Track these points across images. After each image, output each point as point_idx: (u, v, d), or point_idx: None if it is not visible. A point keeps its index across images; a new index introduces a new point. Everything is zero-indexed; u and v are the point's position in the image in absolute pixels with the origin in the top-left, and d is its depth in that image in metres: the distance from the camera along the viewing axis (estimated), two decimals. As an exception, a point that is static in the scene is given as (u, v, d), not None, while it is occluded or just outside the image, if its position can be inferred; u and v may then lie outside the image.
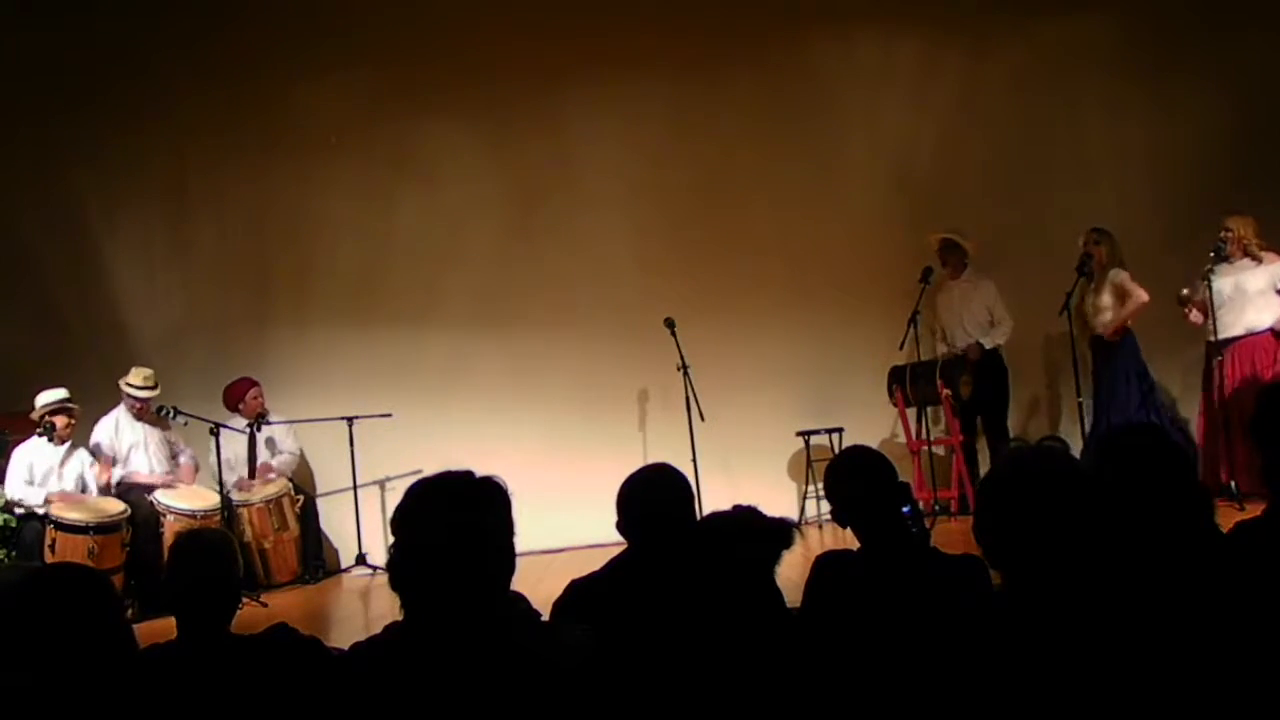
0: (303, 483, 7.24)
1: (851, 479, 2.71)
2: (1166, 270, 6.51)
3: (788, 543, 2.57)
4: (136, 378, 6.61)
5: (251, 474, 6.95)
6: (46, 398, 6.22)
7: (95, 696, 2.18)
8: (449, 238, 7.58)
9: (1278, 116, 7.19)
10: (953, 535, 5.73)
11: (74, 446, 6.34)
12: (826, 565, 2.65)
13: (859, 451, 2.94)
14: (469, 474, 1.92)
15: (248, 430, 6.89)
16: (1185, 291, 6.29)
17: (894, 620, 2.35)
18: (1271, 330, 6.11)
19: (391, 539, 1.91)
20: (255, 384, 7.05)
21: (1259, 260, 6.12)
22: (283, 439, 7.18)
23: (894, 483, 2.69)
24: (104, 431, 6.56)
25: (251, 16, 7.39)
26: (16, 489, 6.07)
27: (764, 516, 2.63)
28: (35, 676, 2.17)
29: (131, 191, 7.58)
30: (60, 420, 6.20)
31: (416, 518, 1.87)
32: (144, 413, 6.63)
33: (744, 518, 2.58)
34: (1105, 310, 6.44)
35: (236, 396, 7.01)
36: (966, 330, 7.02)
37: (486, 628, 1.83)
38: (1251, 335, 6.11)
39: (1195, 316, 6.34)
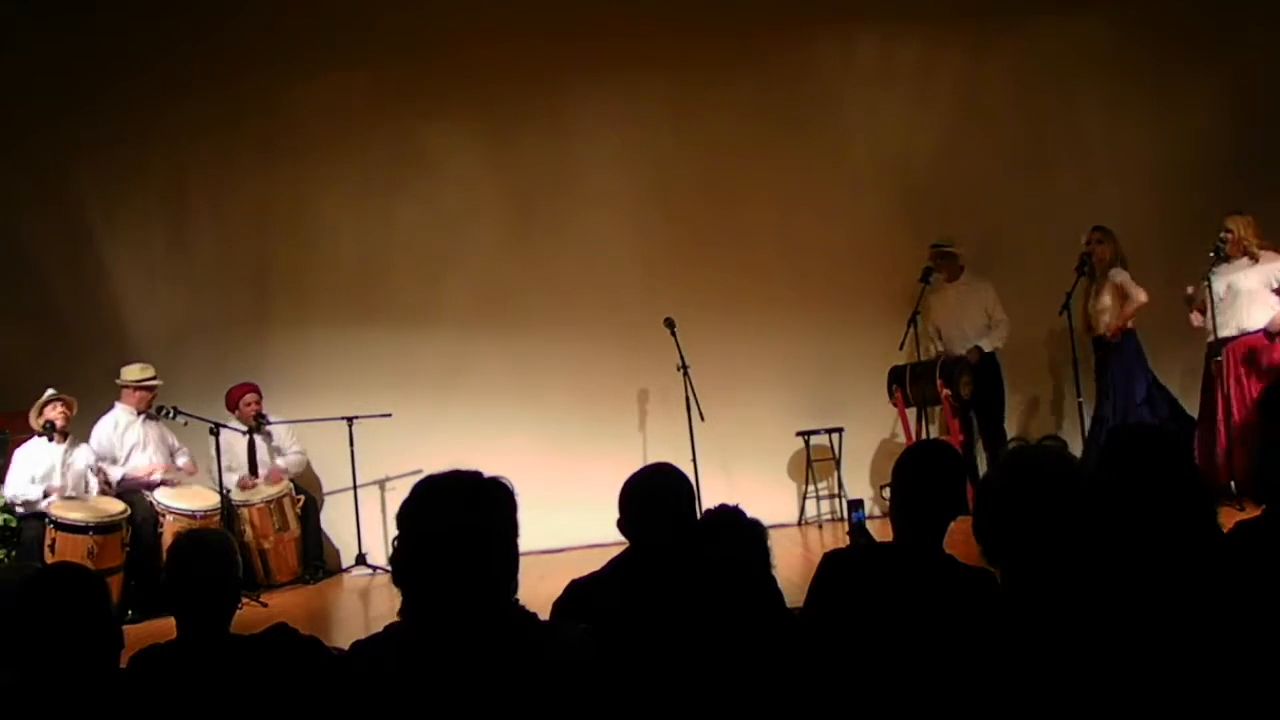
0: (308, 484, 7.24)
1: (948, 476, 2.63)
2: (1166, 270, 6.51)
3: (761, 544, 2.55)
4: (140, 373, 6.64)
5: (253, 474, 6.95)
6: (39, 402, 6.26)
7: (90, 696, 2.18)
8: (449, 238, 7.58)
9: (1277, 115, 7.19)
10: (953, 535, 5.72)
11: (74, 443, 6.35)
12: (833, 565, 2.63)
13: (951, 448, 2.91)
14: (477, 474, 1.92)
15: (247, 433, 6.90)
16: (1190, 290, 6.28)
17: (901, 622, 2.34)
18: (1264, 331, 6.11)
19: (393, 538, 1.91)
20: (252, 389, 7.04)
21: (1256, 259, 6.12)
22: (285, 440, 7.18)
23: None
24: (104, 431, 6.56)
25: (251, 17, 7.39)
26: (19, 487, 6.08)
27: (742, 517, 2.61)
28: (22, 675, 2.18)
29: (131, 191, 7.58)
30: (57, 413, 6.21)
31: (421, 516, 1.87)
32: (150, 405, 6.64)
33: (721, 518, 2.57)
34: (1105, 311, 6.45)
35: (233, 400, 7.02)
36: (965, 333, 7.02)
37: (487, 627, 1.83)
38: (1245, 335, 6.12)
39: (1195, 318, 6.35)
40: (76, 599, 2.25)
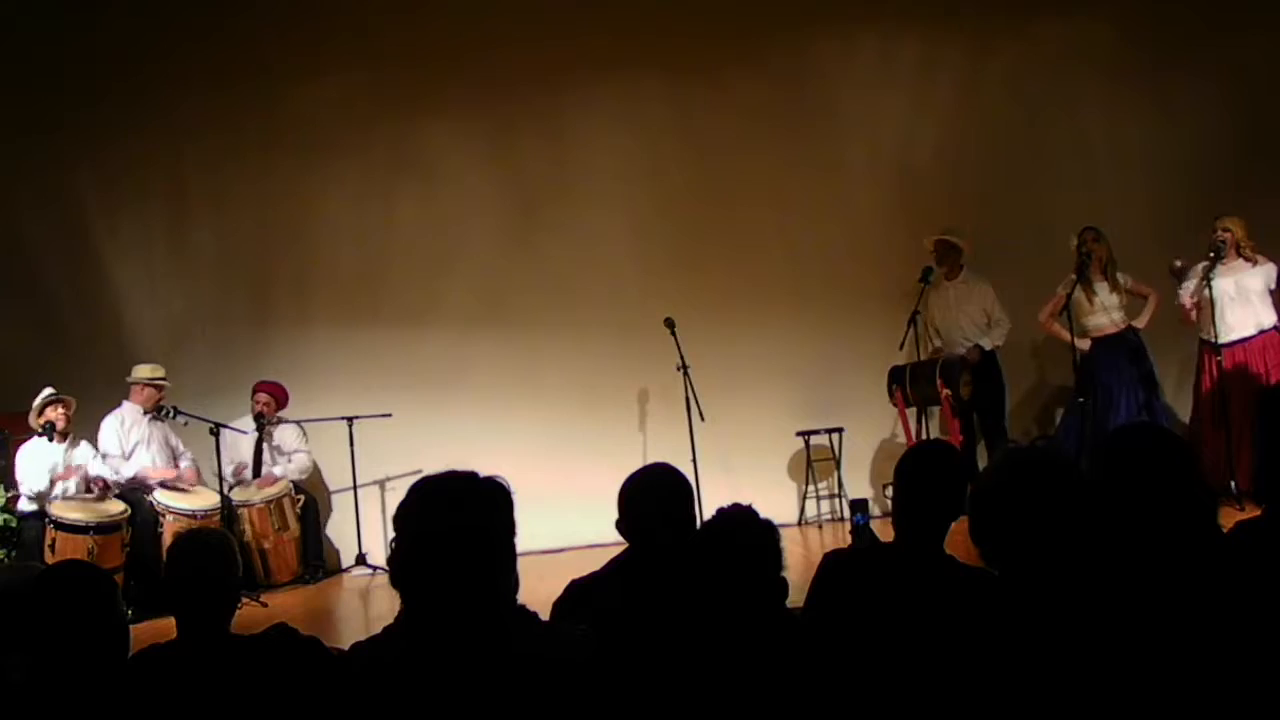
0: (313, 486, 7.23)
1: (949, 477, 2.63)
2: (1164, 269, 6.51)
3: (774, 546, 2.55)
4: (152, 371, 6.68)
5: (256, 474, 6.95)
6: (36, 401, 6.27)
7: (93, 695, 2.18)
8: (449, 238, 7.57)
9: (1276, 116, 7.19)
10: (952, 535, 5.72)
11: (75, 442, 6.36)
12: (834, 565, 2.63)
13: (953, 449, 2.92)
14: (473, 474, 1.92)
15: (254, 433, 6.89)
16: (1178, 264, 6.27)
17: (900, 623, 2.34)
18: (1276, 329, 6.12)
19: (391, 538, 1.91)
20: (266, 389, 7.00)
21: (1254, 261, 6.14)
22: (289, 442, 7.16)
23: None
24: (110, 427, 6.57)
25: (251, 17, 7.39)
26: (30, 482, 6.09)
27: (755, 518, 2.61)
28: (32, 673, 2.18)
29: (131, 191, 7.58)
30: (57, 414, 6.23)
31: (419, 516, 1.87)
32: (158, 404, 6.65)
33: (734, 518, 2.56)
34: (1114, 309, 6.46)
35: (252, 395, 7.03)
36: (965, 332, 7.02)
37: (487, 627, 1.83)
38: (1262, 334, 6.12)
39: (1192, 314, 6.34)
40: (87, 597, 2.25)
